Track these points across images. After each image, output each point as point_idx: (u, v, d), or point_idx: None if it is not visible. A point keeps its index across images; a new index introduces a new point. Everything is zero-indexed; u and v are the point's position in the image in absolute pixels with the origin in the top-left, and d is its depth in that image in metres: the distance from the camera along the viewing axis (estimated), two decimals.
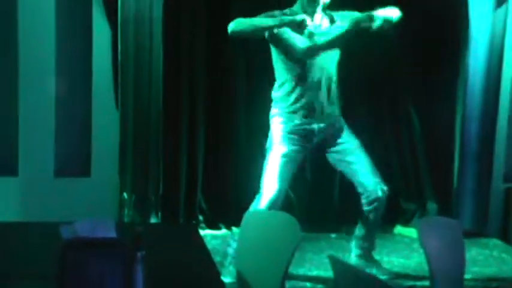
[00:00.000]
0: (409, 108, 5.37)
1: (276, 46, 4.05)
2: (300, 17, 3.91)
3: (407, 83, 5.37)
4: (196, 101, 5.15)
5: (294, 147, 4.05)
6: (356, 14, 4.03)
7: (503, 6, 5.20)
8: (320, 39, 4.01)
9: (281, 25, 3.93)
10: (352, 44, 4.12)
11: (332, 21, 4.05)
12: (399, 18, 4.02)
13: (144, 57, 5.00)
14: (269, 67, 4.95)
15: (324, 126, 4.08)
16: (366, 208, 4.12)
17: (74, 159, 5.00)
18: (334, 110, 4.12)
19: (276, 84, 4.12)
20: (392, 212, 5.31)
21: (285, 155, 4.03)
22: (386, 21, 3.97)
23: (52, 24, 4.83)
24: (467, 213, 5.42)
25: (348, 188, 4.32)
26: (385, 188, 4.11)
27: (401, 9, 4.04)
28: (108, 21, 4.87)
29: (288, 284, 3.84)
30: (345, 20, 4.03)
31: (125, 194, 5.06)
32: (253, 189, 4.18)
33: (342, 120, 4.18)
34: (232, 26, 3.92)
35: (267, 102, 4.38)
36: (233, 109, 5.24)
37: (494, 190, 5.35)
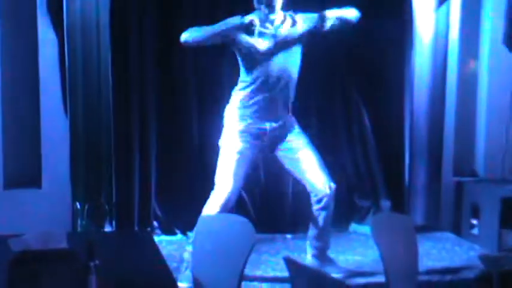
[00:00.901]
0: (359, 107, 5.43)
1: (237, 49, 4.08)
2: (247, 18, 3.95)
3: (357, 82, 5.42)
4: (147, 106, 5.11)
5: (246, 145, 4.09)
6: (313, 15, 4.07)
7: (445, 4, 5.30)
8: (279, 41, 4.03)
9: (230, 29, 3.96)
10: (308, 45, 4.16)
11: (294, 22, 4.08)
12: (357, 18, 4.08)
13: (93, 63, 4.95)
14: (220, 69, 4.96)
15: (276, 126, 4.12)
16: (315, 206, 4.16)
17: (24, 170, 4.90)
18: (287, 110, 4.16)
19: (238, 84, 4.14)
20: (347, 210, 5.37)
21: (238, 152, 4.07)
22: (342, 21, 4.03)
23: None
24: (419, 208, 5.51)
25: (302, 188, 4.34)
26: (333, 185, 4.15)
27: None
28: (54, 29, 4.80)
29: (245, 285, 3.85)
30: (305, 21, 4.06)
31: (78, 204, 4.99)
32: (208, 193, 4.18)
33: (293, 119, 4.22)
34: (184, 36, 3.97)
35: (219, 105, 4.38)
36: (185, 113, 5.21)
37: (444, 184, 5.44)
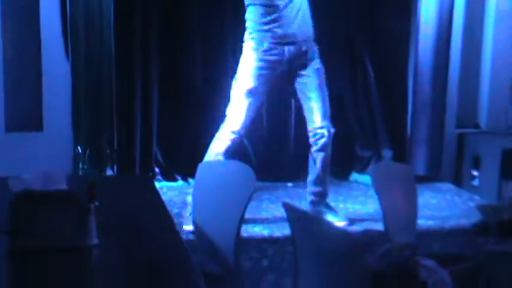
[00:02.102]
0: (363, 56, 5.38)
1: None
2: None
3: (362, 32, 5.37)
4: (150, 51, 5.06)
5: (260, 81, 4.05)
6: None
7: None
8: None
9: None
10: None
11: None
12: None
13: (95, 7, 4.89)
14: (226, 17, 4.91)
15: (293, 50, 4.06)
16: (313, 148, 4.20)
17: (26, 113, 4.89)
18: (306, 33, 4.10)
19: (248, 8, 4.09)
20: (348, 159, 5.37)
21: (250, 91, 4.05)
22: None
23: None
24: (421, 159, 5.50)
25: (304, 137, 4.34)
26: (332, 130, 4.18)
27: None
28: None
29: (245, 231, 3.88)
30: None
31: (79, 148, 5.00)
32: (209, 140, 4.17)
33: (315, 49, 4.17)
34: None
35: (222, 52, 4.37)
36: (188, 60, 5.17)
37: (447, 136, 5.43)
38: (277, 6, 3.98)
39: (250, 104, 4.07)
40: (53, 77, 4.82)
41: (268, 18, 4.01)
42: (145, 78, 5.08)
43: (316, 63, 4.16)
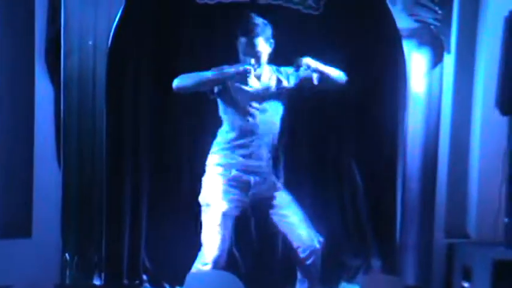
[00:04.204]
0: (351, 164, 5.43)
1: (223, 99, 4.12)
2: (242, 65, 3.98)
3: (350, 139, 5.45)
4: (140, 161, 5.12)
5: (232, 204, 4.07)
6: (300, 73, 4.12)
7: (438, 67, 5.37)
8: (265, 98, 4.07)
9: (225, 77, 3.98)
10: (295, 99, 4.21)
11: (279, 81, 4.13)
12: (343, 81, 4.12)
13: (87, 116, 4.97)
14: (212, 124, 4.99)
15: (259, 180, 4.12)
16: (303, 262, 4.12)
17: (14, 219, 4.89)
18: (269, 164, 4.19)
19: (219, 134, 4.18)
20: (337, 269, 5.32)
21: (224, 214, 4.04)
22: (328, 79, 4.07)
23: None
24: (411, 268, 5.46)
25: (292, 245, 4.32)
26: (321, 239, 4.15)
27: (342, 69, 4.15)
28: (51, 80, 4.86)
29: None
30: (291, 79, 4.11)
31: (67, 255, 4.96)
32: (198, 248, 4.16)
33: (273, 176, 4.25)
34: (176, 82, 4.00)
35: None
36: (178, 168, 5.22)
37: (436, 246, 5.42)
38: (246, 139, 4.09)
39: (226, 229, 4.03)
40: (43, 183, 4.86)
41: (236, 148, 4.10)
42: (135, 186, 5.10)
43: (277, 185, 4.23)
